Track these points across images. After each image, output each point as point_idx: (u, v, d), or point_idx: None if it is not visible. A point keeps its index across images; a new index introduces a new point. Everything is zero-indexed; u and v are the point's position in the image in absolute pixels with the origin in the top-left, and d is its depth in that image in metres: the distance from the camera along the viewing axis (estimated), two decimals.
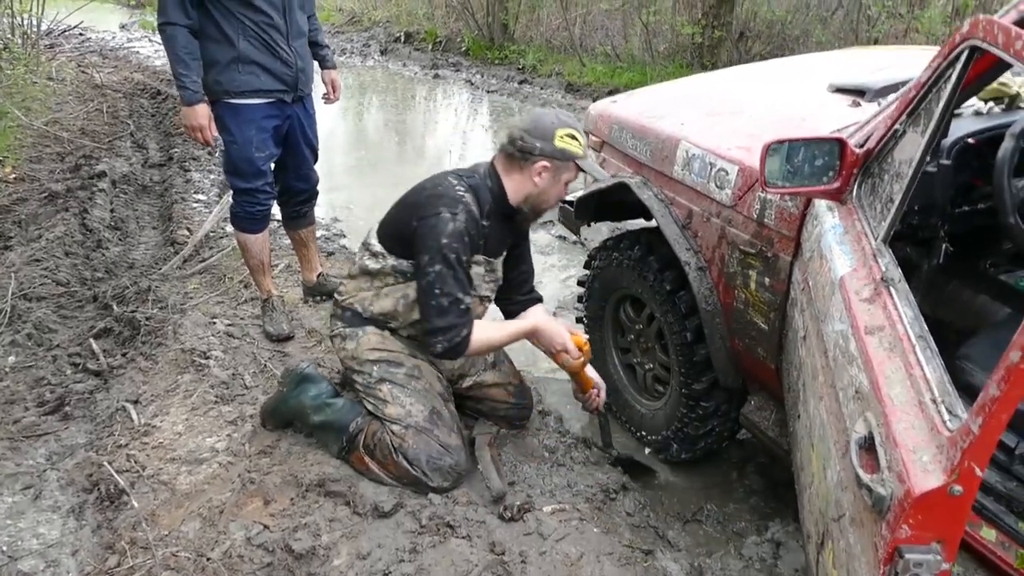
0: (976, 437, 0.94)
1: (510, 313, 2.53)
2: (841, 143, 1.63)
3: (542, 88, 9.20)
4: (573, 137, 2.17)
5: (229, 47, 2.75)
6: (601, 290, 2.82)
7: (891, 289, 1.33)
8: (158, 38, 11.11)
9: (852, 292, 1.40)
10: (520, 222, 2.34)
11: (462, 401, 2.47)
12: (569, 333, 2.34)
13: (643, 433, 2.71)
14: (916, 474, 1.01)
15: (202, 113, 2.74)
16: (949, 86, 1.33)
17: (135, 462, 2.35)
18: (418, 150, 7.39)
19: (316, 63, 3.13)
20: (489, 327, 2.26)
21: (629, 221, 2.95)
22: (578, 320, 3.05)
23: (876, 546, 1.07)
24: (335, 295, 2.43)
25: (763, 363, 2.09)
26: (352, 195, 5.64)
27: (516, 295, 2.50)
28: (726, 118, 2.31)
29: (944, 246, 1.99)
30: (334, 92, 3.25)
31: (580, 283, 2.99)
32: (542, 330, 2.31)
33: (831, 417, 1.36)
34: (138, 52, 11.63)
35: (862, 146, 1.66)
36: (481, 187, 2.21)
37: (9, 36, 9.04)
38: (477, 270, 2.26)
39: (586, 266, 2.91)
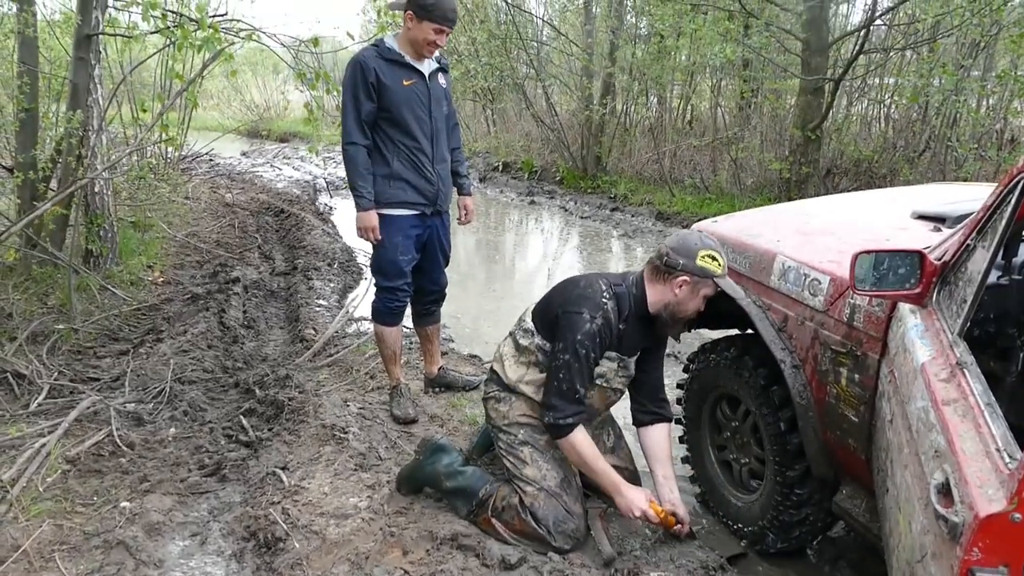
0: None
1: (640, 421, 2.80)
2: (921, 255, 1.94)
3: (633, 216, 9.74)
4: (714, 258, 2.49)
5: (385, 165, 3.29)
6: (699, 391, 3.09)
7: (964, 370, 1.60)
8: (278, 163, 12.16)
9: (932, 374, 1.67)
10: (659, 328, 2.64)
11: (580, 479, 2.74)
12: (650, 502, 2.55)
13: (739, 526, 2.89)
14: (982, 503, 1.26)
15: (373, 217, 3.26)
16: (1008, 211, 1.64)
17: (288, 515, 2.70)
18: (516, 269, 7.93)
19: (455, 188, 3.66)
20: (590, 449, 2.54)
21: (724, 330, 3.25)
22: (677, 422, 3.31)
23: (952, 569, 1.30)
24: (491, 365, 2.81)
25: (854, 454, 2.31)
26: (459, 306, 6.11)
27: (648, 403, 2.78)
28: (818, 236, 2.64)
29: (1022, 355, 2.22)
30: (467, 215, 3.74)
31: (679, 386, 3.27)
32: (622, 496, 2.53)
33: (915, 479, 1.60)
34: (261, 176, 12.88)
35: (940, 259, 1.96)
36: (624, 295, 2.55)
37: (154, 161, 10.30)
38: (610, 365, 2.60)
39: (685, 370, 3.21)
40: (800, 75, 7.55)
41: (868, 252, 1.94)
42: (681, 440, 3.26)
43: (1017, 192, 1.62)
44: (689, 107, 11.84)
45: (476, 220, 10.34)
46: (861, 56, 7.43)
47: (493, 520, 2.47)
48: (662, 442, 2.77)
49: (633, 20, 11.39)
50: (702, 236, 2.57)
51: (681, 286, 2.51)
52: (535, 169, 12.51)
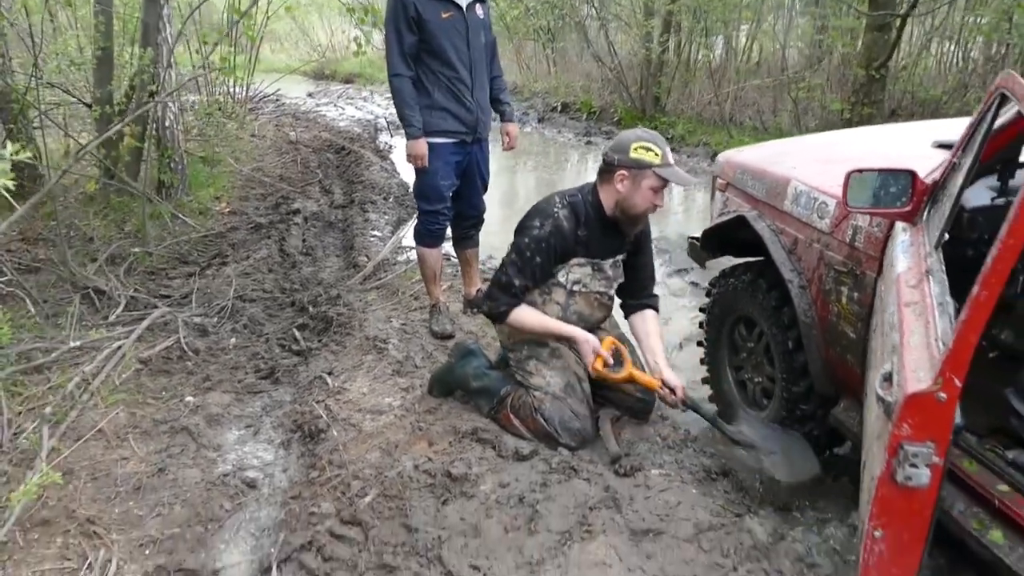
0: (950, 351, 1.33)
1: (627, 311, 2.98)
2: (912, 173, 2.02)
3: (689, 156, 9.68)
4: (648, 149, 2.58)
5: (426, 96, 3.47)
6: (719, 314, 3.23)
7: (931, 277, 1.71)
8: (342, 103, 12.42)
9: (903, 282, 1.79)
10: (624, 228, 2.76)
11: (595, 390, 2.94)
12: (601, 343, 2.69)
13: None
14: (912, 383, 1.40)
15: (422, 145, 3.46)
16: (984, 126, 1.72)
17: (330, 411, 3.00)
18: None
19: (496, 115, 3.81)
20: (531, 314, 2.73)
21: (747, 258, 3.36)
22: (699, 343, 3.46)
23: (887, 444, 1.46)
24: None
25: (851, 369, 2.44)
26: (506, 239, 6.23)
27: (635, 295, 2.96)
28: (833, 164, 2.71)
29: (1021, 278, 2.29)
30: (510, 141, 3.89)
31: (701, 310, 3.41)
32: (577, 342, 2.70)
33: (878, 375, 1.74)
34: (324, 115, 13.19)
35: (932, 179, 2.05)
36: (579, 203, 2.72)
37: (222, 100, 10.71)
38: (583, 271, 2.78)
39: (707, 295, 3.34)
40: (862, 10, 7.32)
41: (861, 171, 2.03)
42: (702, 362, 3.42)
43: (993, 108, 1.70)
44: (756, 47, 11.54)
45: (532, 159, 10.48)
46: None
47: (511, 415, 2.72)
48: (647, 324, 2.90)
49: None
50: (639, 130, 2.68)
51: (622, 180, 2.62)
52: (594, 110, 12.45)
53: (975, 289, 1.30)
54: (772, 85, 10.27)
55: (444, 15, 3.36)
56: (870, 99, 7.92)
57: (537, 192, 8.48)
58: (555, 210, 2.70)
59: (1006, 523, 1.82)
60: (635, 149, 2.58)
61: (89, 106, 5.96)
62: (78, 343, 3.52)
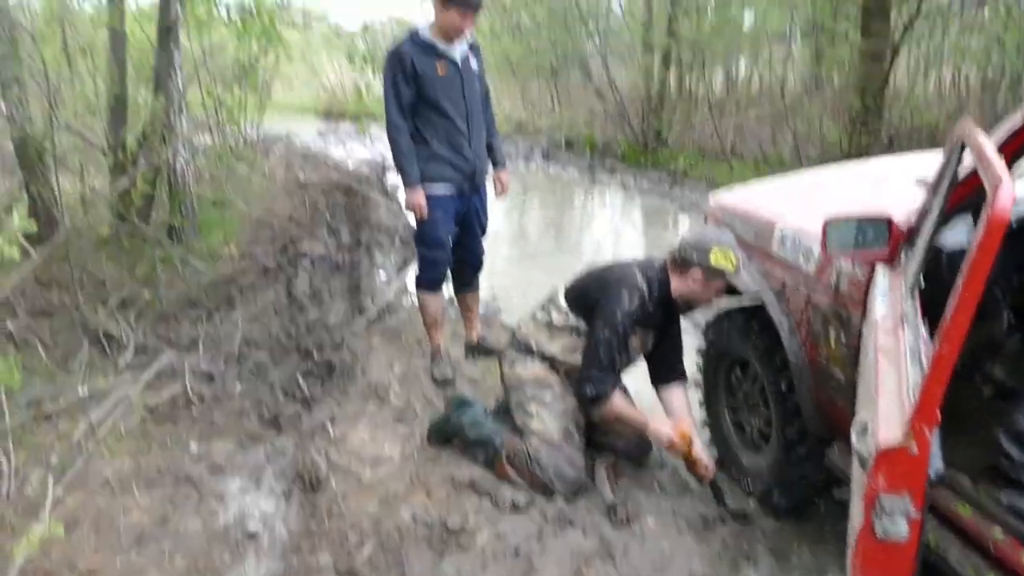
0: (917, 404, 1.36)
1: (658, 381, 3.06)
2: (888, 220, 2.07)
3: (691, 190, 9.75)
4: (726, 256, 2.70)
5: (424, 146, 3.56)
6: (715, 356, 3.26)
7: (905, 323, 1.75)
8: (351, 144, 12.62)
9: (880, 328, 1.83)
10: (677, 309, 2.92)
11: (592, 433, 2.97)
12: (673, 428, 2.81)
13: (748, 484, 3.06)
14: (884, 436, 1.43)
15: (420, 195, 3.55)
16: (949, 172, 1.77)
17: (331, 460, 3.04)
18: (572, 244, 8.11)
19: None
20: (627, 405, 2.83)
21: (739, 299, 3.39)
22: (697, 385, 3.48)
23: (863, 496, 1.48)
24: (514, 330, 3.13)
25: (843, 411, 2.46)
26: (511, 280, 6.37)
27: (665, 366, 3.04)
28: (817, 205, 2.76)
29: (1006, 314, 2.32)
30: (503, 187, 3.98)
31: (698, 351, 3.44)
32: (650, 428, 2.81)
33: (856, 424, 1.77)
34: (333, 155, 13.39)
35: (908, 222, 2.09)
36: (654, 280, 2.82)
37: (233, 143, 10.92)
38: (633, 340, 2.85)
39: (704, 337, 3.37)
40: (855, 41, 7.42)
41: (838, 219, 2.08)
42: (701, 405, 3.43)
43: (956, 154, 1.75)
44: (755, 77, 11.69)
45: (537, 195, 10.59)
46: (924, 20, 7.24)
47: (506, 465, 2.75)
48: (681, 398, 3.01)
49: None
50: (720, 233, 2.79)
51: (696, 279, 2.75)
52: (597, 145, 12.60)
53: (936, 344, 1.34)
54: (771, 115, 10.37)
55: (439, 69, 3.46)
56: (867, 128, 8.00)
57: (547, 232, 8.56)
58: (639, 283, 2.78)
59: (1003, 570, 1.81)
60: (715, 255, 2.69)
61: (103, 151, 6.12)
62: (87, 390, 3.59)
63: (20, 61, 5.49)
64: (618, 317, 2.70)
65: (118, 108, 6.08)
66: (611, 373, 2.73)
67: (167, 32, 5.79)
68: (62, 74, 6.11)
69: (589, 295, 2.86)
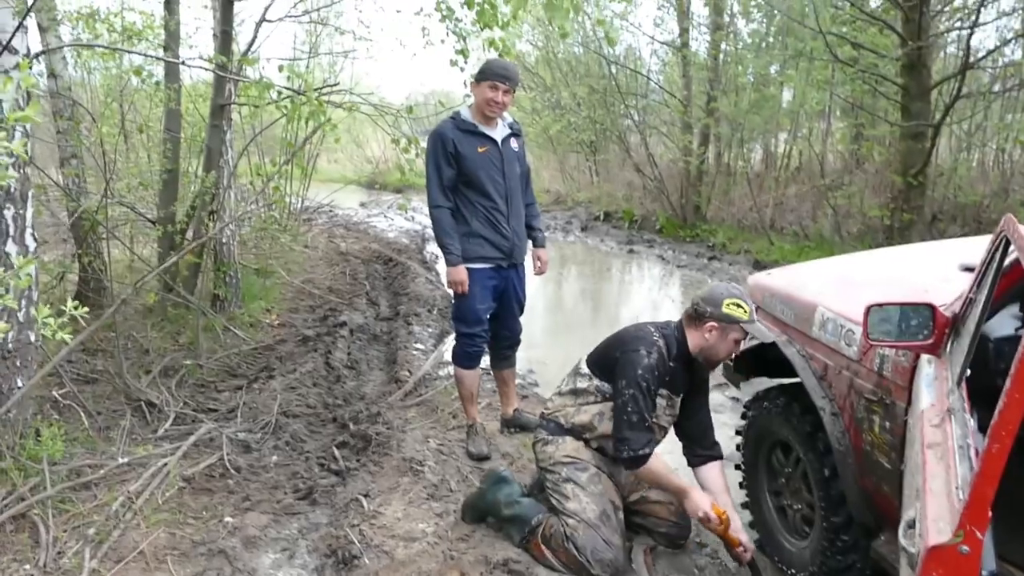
0: (967, 504, 1.32)
1: (694, 462, 3.02)
2: (932, 307, 2.04)
3: (730, 264, 9.73)
4: (739, 305, 2.74)
5: (465, 224, 3.64)
6: (755, 437, 3.20)
7: (952, 417, 1.71)
8: (391, 214, 12.89)
9: (927, 420, 1.78)
10: (698, 369, 2.91)
11: (628, 516, 2.92)
12: (711, 505, 2.76)
13: (793, 571, 2.95)
14: (933, 534, 1.39)
15: (462, 272, 3.61)
16: (995, 264, 1.75)
17: (364, 536, 3.01)
18: (610, 317, 8.10)
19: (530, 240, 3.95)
20: (663, 466, 2.79)
21: (780, 379, 3.34)
22: (737, 467, 3.41)
23: None
24: (543, 410, 3.11)
25: (889, 500, 2.38)
26: (548, 352, 6.36)
27: (698, 447, 3.00)
28: (859, 288, 2.74)
29: None
30: (542, 265, 4.03)
31: (737, 432, 3.38)
32: (689, 497, 2.77)
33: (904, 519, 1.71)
34: (375, 226, 13.69)
35: (953, 310, 2.06)
36: (671, 336, 2.84)
37: (278, 215, 11.25)
38: (660, 403, 2.85)
39: (742, 417, 3.32)
40: (893, 121, 7.45)
41: (880, 305, 2.06)
42: (741, 486, 3.35)
43: (1001, 248, 1.74)
44: (795, 153, 11.74)
45: (575, 268, 10.66)
46: (964, 99, 7.26)
47: (542, 545, 2.70)
48: (718, 478, 2.95)
49: (730, 70, 11.47)
50: (730, 286, 2.82)
51: (711, 331, 2.77)
52: (635, 218, 12.69)
53: (986, 442, 1.30)
54: (811, 191, 10.37)
55: (480, 149, 3.56)
56: (909, 205, 7.94)
57: (585, 304, 8.58)
58: (654, 339, 2.80)
59: None
60: (727, 305, 2.74)
61: (154, 223, 6.35)
62: (126, 459, 3.64)
63: (79, 137, 5.79)
64: (639, 372, 2.70)
65: (170, 183, 6.34)
66: (643, 431, 2.70)
67: (220, 110, 6.05)
68: (118, 148, 6.42)
69: (609, 355, 2.88)
